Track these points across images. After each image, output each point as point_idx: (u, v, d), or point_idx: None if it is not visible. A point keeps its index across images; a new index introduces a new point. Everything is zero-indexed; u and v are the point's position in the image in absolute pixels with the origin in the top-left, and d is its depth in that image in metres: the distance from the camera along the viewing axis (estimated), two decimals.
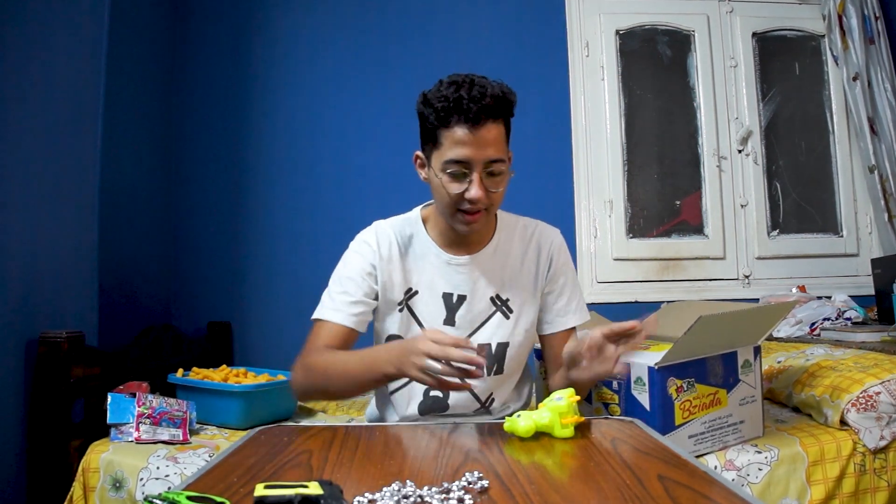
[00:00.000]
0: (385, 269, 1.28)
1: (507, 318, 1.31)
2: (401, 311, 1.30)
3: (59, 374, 1.71)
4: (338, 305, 1.26)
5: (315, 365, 1.21)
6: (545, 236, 1.36)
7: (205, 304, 2.74)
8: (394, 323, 1.30)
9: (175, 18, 2.82)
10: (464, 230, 1.23)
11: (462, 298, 1.29)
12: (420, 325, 1.29)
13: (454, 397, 1.29)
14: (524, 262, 1.32)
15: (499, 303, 1.30)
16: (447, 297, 1.29)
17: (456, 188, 1.17)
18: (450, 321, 1.28)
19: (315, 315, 1.27)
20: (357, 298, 1.26)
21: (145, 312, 2.47)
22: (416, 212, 1.36)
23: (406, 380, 1.29)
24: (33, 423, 1.71)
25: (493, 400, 1.34)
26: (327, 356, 1.20)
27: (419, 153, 1.26)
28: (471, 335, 1.29)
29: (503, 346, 1.31)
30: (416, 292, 1.30)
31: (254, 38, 2.88)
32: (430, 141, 1.19)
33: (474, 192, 1.15)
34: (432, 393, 1.29)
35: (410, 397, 1.33)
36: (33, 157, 1.85)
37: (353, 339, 1.27)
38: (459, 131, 1.13)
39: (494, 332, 1.30)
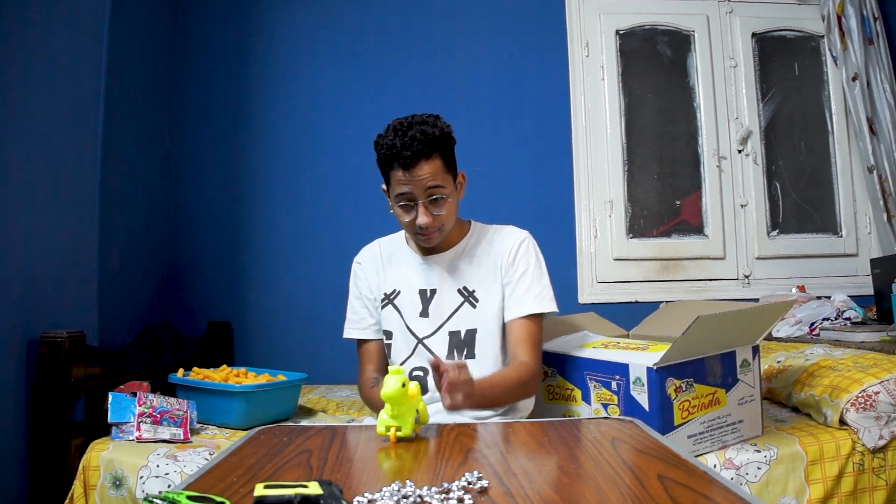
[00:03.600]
0: (373, 283, 1.59)
1: (474, 307, 1.49)
2: (385, 306, 1.55)
3: (59, 374, 1.71)
4: (364, 325, 1.59)
5: (370, 401, 1.55)
6: (508, 235, 1.53)
7: (205, 304, 2.74)
8: (385, 319, 1.55)
9: (175, 19, 2.82)
10: (426, 246, 1.49)
11: (433, 292, 1.51)
12: (402, 318, 1.52)
13: (432, 381, 1.44)
14: (489, 258, 1.51)
15: (466, 294, 1.50)
16: (422, 292, 1.52)
17: (407, 217, 1.42)
18: (424, 313, 1.50)
19: (347, 334, 1.61)
20: (367, 314, 1.58)
21: (145, 312, 2.47)
22: (401, 232, 1.62)
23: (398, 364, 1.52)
24: (34, 423, 1.71)
25: None
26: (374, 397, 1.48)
27: (383, 186, 1.49)
28: (442, 324, 1.49)
29: (472, 332, 1.48)
30: (399, 292, 1.54)
31: (254, 38, 2.88)
32: (384, 179, 1.45)
33: (420, 219, 1.39)
34: (415, 373, 1.49)
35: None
36: (33, 157, 1.85)
37: (382, 347, 1.58)
38: (399, 173, 1.38)
39: (462, 320, 1.48)
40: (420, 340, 1.50)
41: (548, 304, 1.47)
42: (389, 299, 1.55)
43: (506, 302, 1.47)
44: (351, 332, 1.60)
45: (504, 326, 1.50)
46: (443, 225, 1.43)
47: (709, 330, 1.34)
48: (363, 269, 1.60)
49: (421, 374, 1.49)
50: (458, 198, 1.48)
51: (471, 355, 1.47)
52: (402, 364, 1.51)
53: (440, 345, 1.48)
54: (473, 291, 1.49)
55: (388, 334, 1.54)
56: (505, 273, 1.49)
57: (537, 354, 1.45)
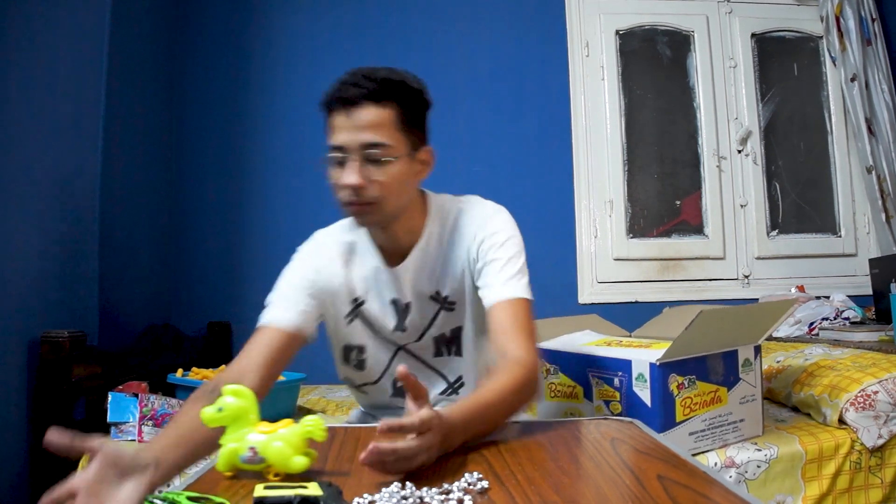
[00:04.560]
0: (327, 278, 1.23)
1: (452, 310, 1.24)
2: (350, 321, 1.26)
3: (60, 374, 1.72)
4: (279, 308, 1.18)
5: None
6: (471, 216, 1.23)
7: (205, 304, 2.74)
8: (350, 334, 1.27)
9: (176, 19, 2.82)
10: (359, 223, 1.17)
11: (408, 306, 1.24)
12: (374, 329, 1.25)
13: (421, 380, 1.02)
14: (456, 252, 1.22)
15: (439, 301, 1.24)
16: (395, 302, 1.24)
17: (335, 176, 1.10)
18: (400, 327, 1.24)
19: (260, 321, 1.18)
20: (301, 303, 1.19)
21: (145, 312, 2.47)
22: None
23: (377, 376, 1.29)
24: (36, 422, 1.72)
25: (462, 384, 1.30)
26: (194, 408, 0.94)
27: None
28: (422, 335, 1.25)
29: (457, 329, 1.26)
30: (364, 301, 1.25)
31: (254, 38, 2.89)
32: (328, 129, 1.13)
33: (345, 177, 1.07)
34: (399, 383, 1.26)
35: (381, 388, 1.31)
36: (34, 157, 1.85)
37: (292, 347, 1.17)
38: (338, 117, 1.09)
39: (444, 323, 1.25)
40: (402, 347, 1.28)
41: (524, 289, 1.16)
42: (355, 308, 1.25)
43: (483, 290, 1.18)
44: (273, 315, 1.17)
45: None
46: (380, 197, 1.09)
47: (711, 326, 1.35)
48: (314, 262, 1.25)
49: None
50: (413, 175, 1.15)
51: (458, 352, 1.27)
52: (383, 373, 1.29)
53: (426, 349, 1.28)
54: (447, 297, 1.23)
55: (360, 348, 1.28)
56: (472, 262, 1.21)
57: (531, 345, 1.11)
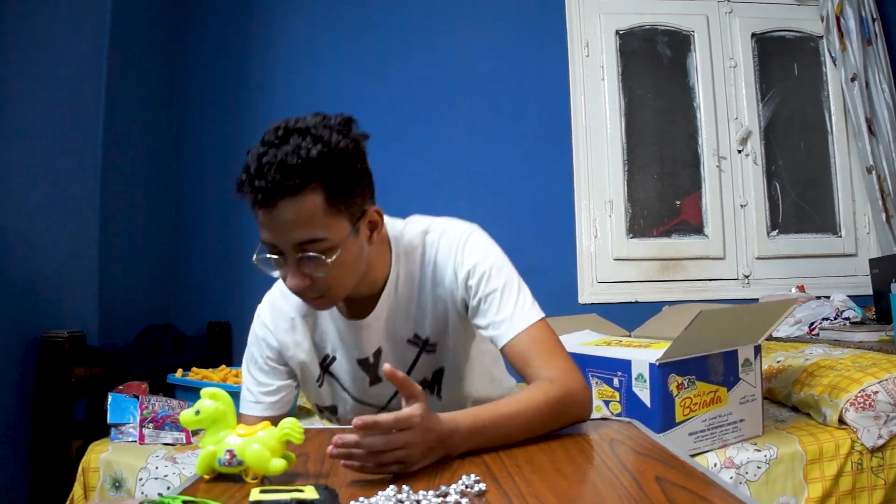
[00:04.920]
0: (293, 349, 1.14)
1: (433, 352, 1.13)
2: (321, 385, 1.17)
3: (60, 374, 1.72)
4: (258, 398, 1.15)
5: None
6: (444, 249, 1.10)
7: (205, 304, 2.74)
8: (322, 395, 1.19)
9: (176, 19, 2.82)
10: (316, 309, 1.08)
11: (378, 352, 1.13)
12: (345, 390, 1.16)
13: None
14: (430, 288, 1.11)
15: (419, 343, 1.13)
16: (363, 362, 1.13)
17: (278, 272, 0.98)
18: (374, 380, 1.14)
19: (251, 411, 1.15)
20: (274, 387, 1.15)
21: (145, 312, 2.47)
22: None
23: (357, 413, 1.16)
24: (36, 423, 1.72)
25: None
26: None
27: None
28: None
29: (438, 371, 1.15)
30: (334, 358, 1.15)
31: (254, 38, 2.89)
32: None
33: (289, 282, 0.95)
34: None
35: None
36: (34, 157, 1.85)
37: (284, 416, 1.14)
38: (261, 215, 0.94)
39: (426, 366, 1.14)
40: (384, 408, 1.17)
41: (532, 311, 1.05)
42: (325, 368, 1.16)
43: (486, 331, 1.06)
44: (254, 407, 1.14)
45: (471, 355, 1.18)
46: (329, 290, 0.97)
47: (711, 325, 1.35)
48: (274, 335, 1.15)
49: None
50: (363, 246, 1.00)
51: (438, 394, 1.16)
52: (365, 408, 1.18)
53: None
54: (427, 339, 1.12)
55: (332, 409, 1.20)
56: (462, 301, 1.09)
57: (563, 362, 1.01)
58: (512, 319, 1.03)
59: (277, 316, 1.15)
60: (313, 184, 0.90)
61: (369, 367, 1.13)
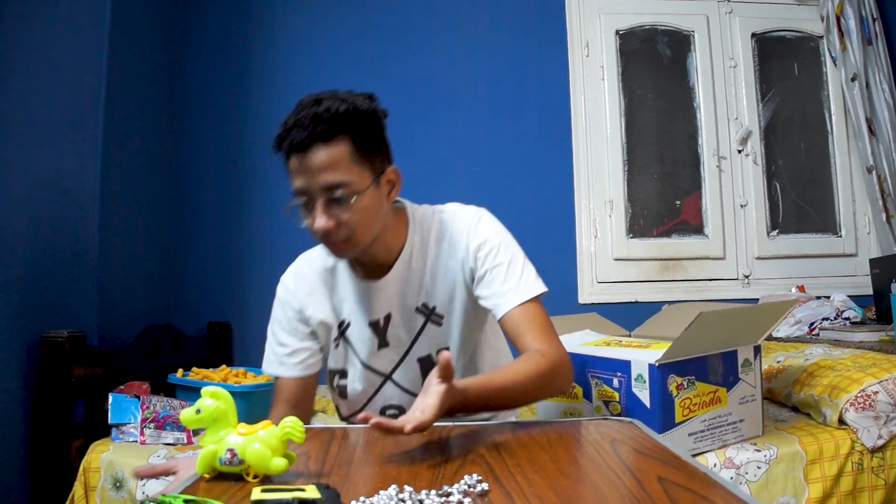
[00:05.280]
0: (312, 311, 1.25)
1: (439, 325, 1.21)
2: (337, 346, 1.26)
3: (60, 374, 1.72)
4: (281, 359, 1.25)
5: None
6: (458, 227, 1.21)
7: (205, 304, 2.74)
8: (336, 357, 1.27)
9: (176, 19, 2.82)
10: (337, 258, 1.20)
11: (388, 318, 1.22)
12: (356, 355, 1.24)
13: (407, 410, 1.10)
14: (445, 262, 1.20)
15: (426, 312, 1.21)
16: (374, 324, 1.22)
17: (306, 219, 1.10)
18: (383, 344, 1.23)
19: (263, 368, 1.27)
20: (297, 347, 1.25)
21: (145, 312, 2.47)
22: None
23: (360, 405, 1.27)
24: (36, 423, 1.72)
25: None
26: None
27: None
28: (408, 351, 1.23)
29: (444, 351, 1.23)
30: (349, 323, 1.24)
31: (254, 37, 2.89)
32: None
33: (316, 223, 1.07)
34: (388, 412, 1.26)
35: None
36: (34, 157, 1.85)
37: (311, 384, 1.27)
38: (293, 161, 1.08)
39: (430, 342, 1.22)
40: (388, 377, 1.24)
41: (534, 286, 1.16)
42: (341, 332, 1.25)
43: (485, 301, 1.17)
44: (279, 368, 1.25)
45: (477, 343, 1.26)
46: (352, 234, 1.08)
47: (711, 327, 1.35)
48: (297, 296, 1.26)
49: (395, 412, 1.25)
50: (382, 199, 1.13)
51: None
52: (367, 403, 1.27)
53: (411, 377, 1.23)
54: (434, 308, 1.21)
55: (342, 373, 1.27)
56: (470, 271, 1.19)
57: (551, 338, 1.13)
58: (514, 291, 1.14)
59: (300, 280, 1.27)
60: (342, 135, 1.05)
61: (379, 329, 1.22)
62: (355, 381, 1.25)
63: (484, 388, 0.99)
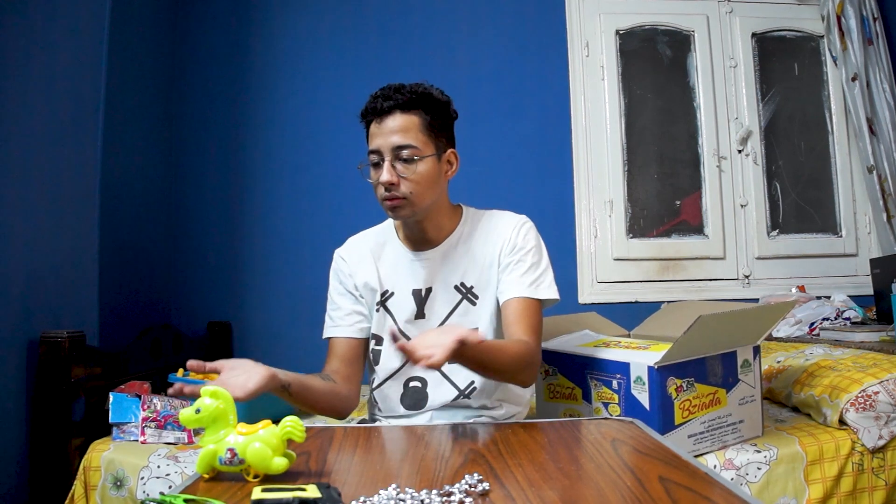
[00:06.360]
0: (360, 277, 1.41)
1: (474, 304, 1.36)
2: (378, 311, 1.39)
3: (59, 374, 1.71)
4: (336, 322, 1.41)
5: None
6: (505, 221, 1.39)
7: (205, 304, 2.74)
8: (377, 322, 1.40)
9: (175, 18, 2.82)
10: (393, 217, 1.34)
11: (429, 291, 1.37)
12: (394, 320, 1.38)
13: (432, 386, 1.35)
14: (486, 248, 1.37)
15: (464, 290, 1.37)
16: (416, 293, 1.38)
17: (374, 176, 1.28)
18: (420, 314, 1.37)
19: (331, 333, 1.41)
20: (350, 310, 1.40)
21: (145, 312, 2.47)
22: (390, 221, 1.46)
23: (388, 374, 1.38)
24: (35, 423, 1.71)
25: (474, 389, 1.34)
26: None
27: None
28: (441, 324, 1.36)
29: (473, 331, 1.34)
30: (392, 293, 1.39)
31: (254, 38, 2.88)
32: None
33: (383, 175, 1.25)
34: (411, 384, 1.37)
35: (392, 391, 1.38)
36: (34, 157, 1.85)
37: (361, 348, 1.41)
38: (373, 126, 1.28)
39: (463, 319, 1.36)
40: None
41: (544, 291, 1.34)
42: (383, 301, 1.39)
43: (500, 285, 1.34)
44: (334, 330, 1.41)
45: (502, 331, 1.36)
46: (411, 192, 1.26)
47: (710, 330, 1.35)
48: (348, 263, 1.42)
49: (419, 384, 1.36)
50: (441, 174, 1.32)
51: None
52: (396, 373, 1.37)
53: None
54: (472, 288, 1.36)
55: (378, 339, 1.40)
56: (502, 261, 1.35)
57: (536, 338, 1.29)
58: (526, 285, 1.32)
59: (352, 250, 1.44)
60: (418, 109, 1.27)
61: (420, 299, 1.37)
62: (388, 349, 1.37)
63: (482, 348, 1.12)
